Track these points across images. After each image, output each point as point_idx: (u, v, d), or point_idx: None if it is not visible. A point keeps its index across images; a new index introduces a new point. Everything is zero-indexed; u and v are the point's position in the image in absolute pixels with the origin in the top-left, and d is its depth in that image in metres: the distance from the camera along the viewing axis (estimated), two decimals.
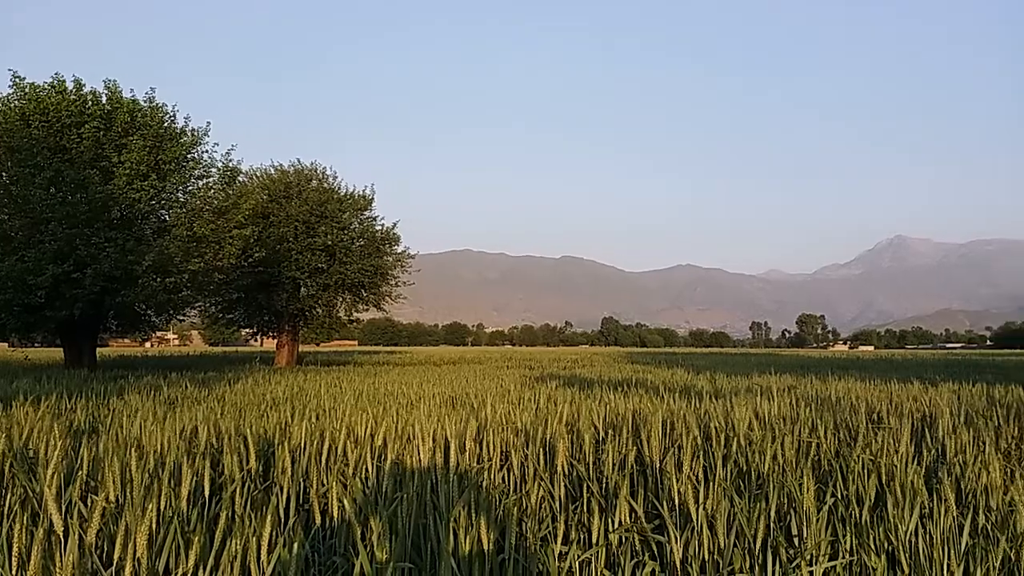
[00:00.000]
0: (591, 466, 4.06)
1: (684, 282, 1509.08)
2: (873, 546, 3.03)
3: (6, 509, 3.31)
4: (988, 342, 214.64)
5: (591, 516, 3.35)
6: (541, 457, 4.23)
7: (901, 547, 2.98)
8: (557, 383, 11.95)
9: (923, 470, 3.76)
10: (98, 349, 24.69)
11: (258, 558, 2.51)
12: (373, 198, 30.97)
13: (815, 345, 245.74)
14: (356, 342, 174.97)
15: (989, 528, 3.16)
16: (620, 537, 3.28)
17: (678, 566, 3.06)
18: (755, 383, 11.06)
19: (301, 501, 3.90)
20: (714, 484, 3.32)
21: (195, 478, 3.44)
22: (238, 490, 3.41)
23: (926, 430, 4.72)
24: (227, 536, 2.65)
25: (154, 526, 2.58)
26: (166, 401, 8.64)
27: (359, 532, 3.08)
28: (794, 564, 2.92)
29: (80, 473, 3.70)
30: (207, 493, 3.37)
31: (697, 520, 3.09)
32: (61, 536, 2.50)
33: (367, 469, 4.06)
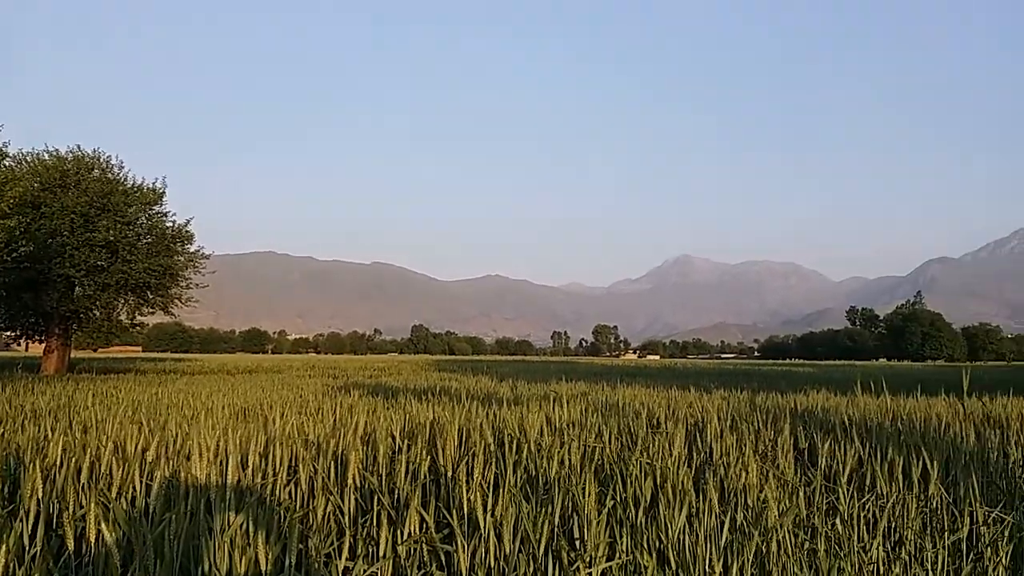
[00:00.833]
0: (384, 478, 3.98)
1: (493, 291, 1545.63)
2: (646, 545, 3.22)
3: None
4: (756, 353, 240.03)
5: (380, 529, 3.27)
6: (332, 470, 4.08)
7: (671, 545, 3.19)
8: (360, 392, 11.70)
9: (693, 472, 4.06)
10: None
11: None
12: (164, 192, 28.68)
13: (608, 354, 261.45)
14: (140, 348, 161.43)
15: (745, 524, 3.47)
16: (409, 549, 3.23)
17: (464, 574, 3.07)
18: (552, 390, 11.49)
19: (55, 526, 3.47)
20: (504, 491, 3.37)
21: None
22: None
23: (698, 434, 5.11)
24: None
25: None
26: None
27: (118, 559, 2.79)
28: (574, 567, 3.03)
29: None
30: None
31: (485, 528, 3.12)
32: None
33: (135, 488, 3.70)
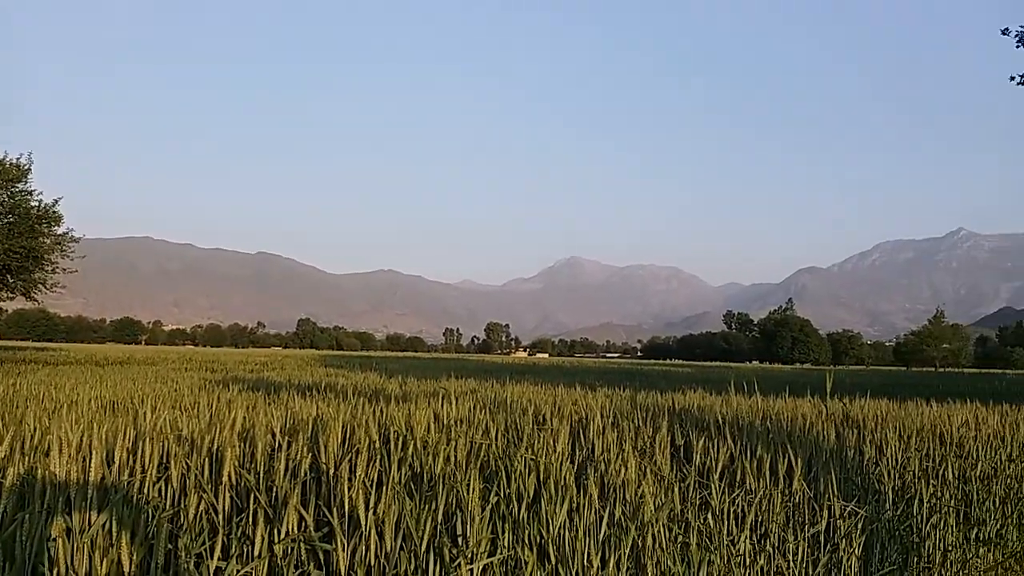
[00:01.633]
0: (262, 475, 3.84)
1: (385, 286, 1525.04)
2: (528, 540, 3.27)
3: None
4: (639, 353, 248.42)
5: (256, 527, 3.16)
6: (207, 467, 3.91)
7: (551, 540, 3.25)
8: (240, 387, 11.26)
9: (575, 468, 4.15)
10: None
11: None
12: (30, 169, 26.62)
13: (500, 351, 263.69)
14: None
15: (623, 519, 3.57)
16: (286, 548, 3.14)
17: (344, 573, 3.01)
18: (441, 387, 11.46)
19: None
20: (387, 488, 3.33)
21: None
22: None
23: (581, 431, 5.23)
24: None
25: None
26: None
27: None
28: (455, 563, 3.03)
29: None
30: None
31: (366, 525, 3.07)
32: None
33: None
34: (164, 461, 4.03)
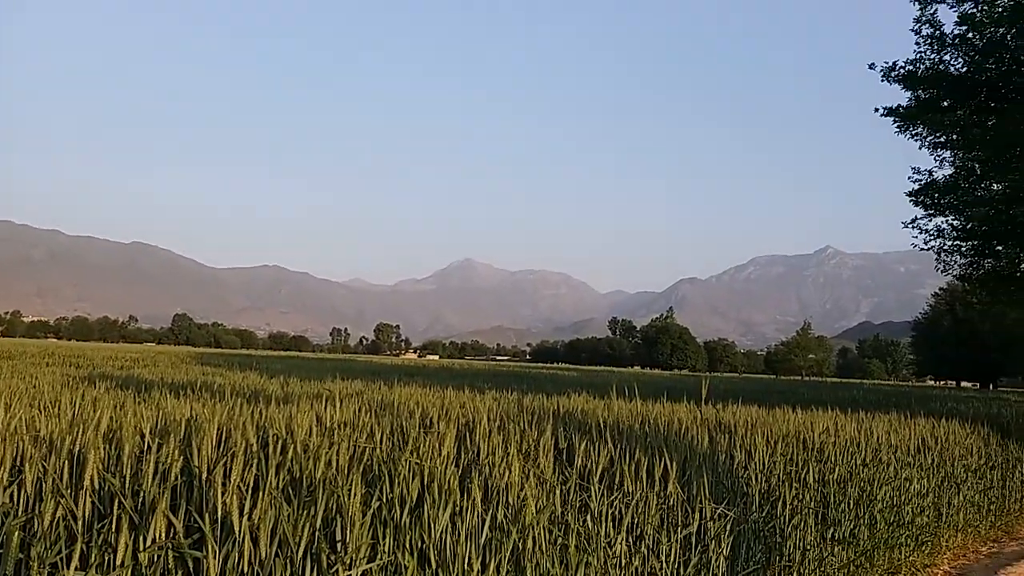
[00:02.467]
0: (129, 479, 3.64)
1: (269, 283, 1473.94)
2: (408, 546, 3.24)
3: None
4: (528, 357, 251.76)
5: (119, 534, 2.99)
6: (66, 471, 3.65)
7: (432, 545, 3.24)
8: (108, 385, 10.60)
9: (460, 471, 4.16)
10: None
11: None
12: None
13: (389, 352, 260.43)
14: None
15: (505, 522, 3.61)
16: (153, 556, 2.98)
17: None
18: (326, 388, 11.21)
19: None
20: (264, 493, 3.22)
21: None
22: None
23: (468, 434, 5.25)
24: None
25: None
26: None
27: None
28: (333, 569, 2.97)
29: None
30: None
31: (240, 532, 2.96)
32: None
33: None
34: (18, 464, 3.74)
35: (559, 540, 3.77)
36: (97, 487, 3.45)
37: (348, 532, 3.20)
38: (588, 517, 4.05)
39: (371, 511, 3.32)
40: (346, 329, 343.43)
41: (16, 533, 2.67)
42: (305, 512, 3.13)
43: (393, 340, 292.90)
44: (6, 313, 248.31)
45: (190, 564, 3.04)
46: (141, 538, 3.04)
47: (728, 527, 4.62)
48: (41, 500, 3.42)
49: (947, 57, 17.52)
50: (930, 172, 20.21)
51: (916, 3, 16.94)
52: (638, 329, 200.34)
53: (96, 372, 15.87)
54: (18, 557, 2.79)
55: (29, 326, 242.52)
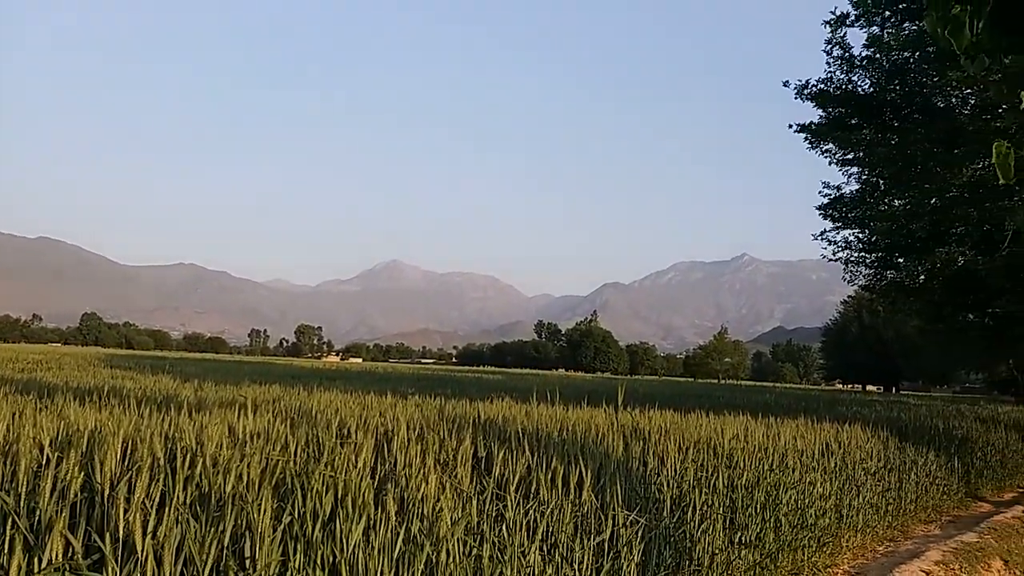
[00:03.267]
0: (24, 496, 3.47)
1: (184, 281, 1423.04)
2: (320, 561, 3.21)
3: None
4: (454, 359, 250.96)
5: (12, 556, 2.86)
6: None
7: (345, 560, 3.21)
8: (6, 390, 10.04)
9: (376, 483, 4.13)
10: None
11: None
12: None
13: (310, 355, 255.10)
14: None
15: (419, 535, 3.61)
16: None
17: None
18: (241, 394, 10.91)
19: None
20: (170, 510, 3.13)
21: None
22: None
23: (386, 444, 5.21)
24: None
25: None
26: None
27: None
28: None
29: None
30: None
31: (143, 551, 2.88)
32: None
33: None
34: None
35: (474, 551, 3.79)
36: None
37: (257, 548, 3.15)
38: (504, 527, 4.09)
39: (282, 526, 3.27)
40: (266, 331, 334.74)
41: None
42: (213, 528, 3.06)
43: (315, 342, 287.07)
44: None
45: None
46: (36, 560, 2.92)
47: (640, 533, 4.74)
48: None
49: (855, 77, 18.40)
50: (838, 187, 21.18)
51: (827, 26, 17.73)
52: (563, 332, 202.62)
53: None
54: None
55: None
